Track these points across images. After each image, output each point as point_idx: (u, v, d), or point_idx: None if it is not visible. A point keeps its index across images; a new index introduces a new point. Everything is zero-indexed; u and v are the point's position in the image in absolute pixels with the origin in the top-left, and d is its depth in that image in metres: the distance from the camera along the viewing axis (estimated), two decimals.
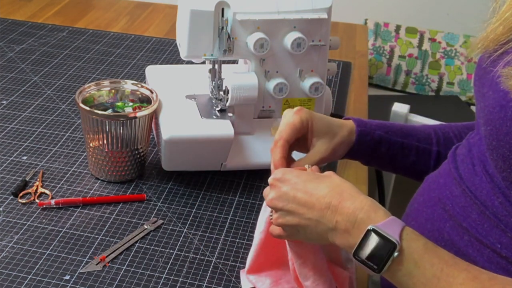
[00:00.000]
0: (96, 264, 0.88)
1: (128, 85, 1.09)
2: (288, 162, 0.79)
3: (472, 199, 0.71)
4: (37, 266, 0.87)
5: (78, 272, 0.86)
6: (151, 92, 1.07)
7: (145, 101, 1.08)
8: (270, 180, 0.72)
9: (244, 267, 0.87)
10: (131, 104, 1.08)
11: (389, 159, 0.89)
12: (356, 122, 0.86)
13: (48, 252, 0.90)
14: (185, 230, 0.96)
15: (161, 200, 1.02)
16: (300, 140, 0.82)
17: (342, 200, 0.66)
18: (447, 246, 0.72)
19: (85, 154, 1.12)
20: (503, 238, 0.67)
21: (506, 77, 0.65)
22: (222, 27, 0.98)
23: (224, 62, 1.07)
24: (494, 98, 0.67)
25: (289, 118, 0.79)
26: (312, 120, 0.80)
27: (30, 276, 0.85)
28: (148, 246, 0.92)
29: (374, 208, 0.65)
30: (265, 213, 0.78)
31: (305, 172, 0.72)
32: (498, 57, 0.68)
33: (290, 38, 1.00)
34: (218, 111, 1.06)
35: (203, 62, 1.07)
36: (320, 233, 0.68)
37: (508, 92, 0.64)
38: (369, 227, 0.63)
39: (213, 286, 0.86)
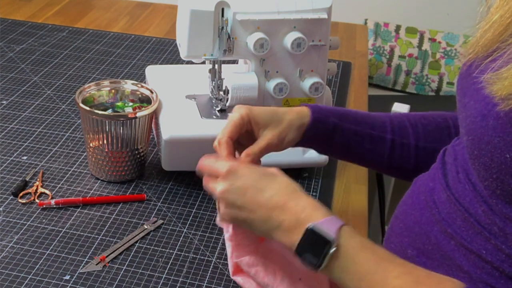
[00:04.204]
0: (96, 264, 0.88)
1: (128, 85, 1.09)
2: (235, 158, 0.80)
3: (456, 205, 0.71)
4: (37, 266, 0.87)
5: (78, 272, 0.86)
6: (151, 92, 1.07)
7: (145, 101, 1.08)
8: (223, 170, 0.72)
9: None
10: (131, 104, 1.08)
11: (343, 148, 0.89)
12: (311, 108, 0.86)
13: (48, 252, 0.90)
14: (185, 230, 0.96)
15: (161, 200, 1.02)
16: (248, 136, 0.83)
17: (288, 200, 0.69)
18: (434, 250, 0.72)
19: (85, 154, 1.12)
20: (487, 244, 0.67)
21: (488, 83, 0.65)
22: (222, 27, 0.98)
23: (224, 62, 1.07)
24: (476, 108, 0.66)
25: (230, 117, 0.81)
26: (252, 113, 0.81)
27: (30, 276, 0.85)
28: (148, 246, 0.92)
29: (315, 208, 0.68)
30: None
31: (257, 168, 0.74)
32: (485, 67, 0.67)
33: (290, 38, 1.00)
34: (218, 111, 1.06)
35: (203, 62, 1.07)
36: (266, 229, 0.71)
37: (489, 102, 0.64)
38: (308, 225, 0.66)
39: (213, 286, 0.86)
